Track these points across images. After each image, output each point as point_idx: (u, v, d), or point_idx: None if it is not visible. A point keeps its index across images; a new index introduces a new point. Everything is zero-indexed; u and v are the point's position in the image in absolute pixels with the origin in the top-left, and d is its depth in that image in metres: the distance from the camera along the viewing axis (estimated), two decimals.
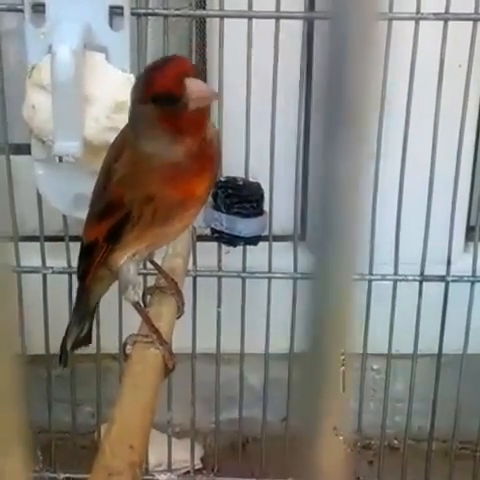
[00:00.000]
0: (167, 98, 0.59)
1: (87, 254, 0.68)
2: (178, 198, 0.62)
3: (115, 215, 0.64)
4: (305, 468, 0.20)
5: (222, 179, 0.90)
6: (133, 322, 0.71)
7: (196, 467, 1.04)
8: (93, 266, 0.68)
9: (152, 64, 0.63)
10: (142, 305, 0.69)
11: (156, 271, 0.74)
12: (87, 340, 0.78)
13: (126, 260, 0.65)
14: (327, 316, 0.20)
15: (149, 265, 0.77)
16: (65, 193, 0.87)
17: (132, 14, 0.83)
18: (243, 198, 0.89)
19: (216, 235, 0.91)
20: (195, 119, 0.61)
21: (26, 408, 0.21)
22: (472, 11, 0.86)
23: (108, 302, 0.80)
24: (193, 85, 0.59)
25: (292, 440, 1.03)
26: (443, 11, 0.85)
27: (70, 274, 0.94)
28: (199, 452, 1.06)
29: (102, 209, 0.66)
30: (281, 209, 0.94)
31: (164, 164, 0.61)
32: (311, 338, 0.20)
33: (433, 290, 0.95)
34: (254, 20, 0.86)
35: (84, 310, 0.75)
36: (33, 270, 0.94)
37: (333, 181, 0.19)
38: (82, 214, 0.71)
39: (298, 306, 0.95)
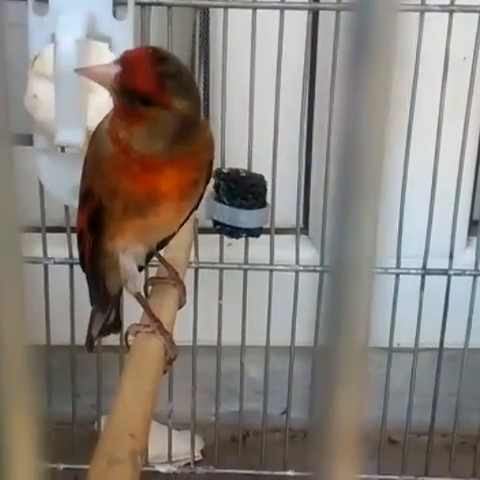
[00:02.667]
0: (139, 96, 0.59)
1: (79, 242, 0.70)
2: (142, 194, 0.62)
3: (90, 204, 0.65)
4: (324, 466, 0.20)
5: (225, 171, 0.89)
6: (134, 312, 0.71)
7: (196, 459, 1.04)
8: (85, 255, 0.69)
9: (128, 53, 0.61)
10: (143, 296, 0.69)
11: (157, 262, 0.74)
12: (116, 327, 0.79)
13: (122, 252, 0.65)
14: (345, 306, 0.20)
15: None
16: (67, 183, 0.87)
17: (136, 4, 0.83)
18: (245, 190, 0.89)
19: (218, 227, 0.90)
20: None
21: (40, 399, 0.21)
22: (478, 3, 0.86)
23: None
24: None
25: (292, 433, 1.03)
26: (448, 3, 0.85)
27: (71, 265, 0.94)
28: (199, 444, 1.06)
29: (81, 198, 0.67)
30: (283, 201, 0.94)
31: (116, 157, 0.61)
32: (331, 332, 0.20)
33: (435, 284, 0.95)
34: (258, 10, 0.85)
35: (103, 299, 0.75)
36: (34, 261, 0.94)
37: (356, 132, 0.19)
38: None
39: (301, 299, 0.95)
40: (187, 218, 0.70)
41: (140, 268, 0.70)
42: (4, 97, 0.18)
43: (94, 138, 0.65)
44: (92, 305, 0.77)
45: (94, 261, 0.69)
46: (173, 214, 0.65)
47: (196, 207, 0.70)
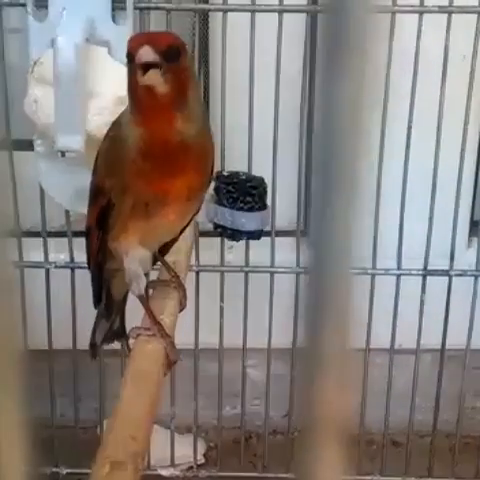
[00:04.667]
0: (129, 58, 0.59)
1: (86, 238, 0.70)
2: (152, 192, 0.62)
3: (101, 201, 0.65)
4: (306, 464, 0.20)
5: (225, 173, 0.90)
6: (135, 315, 0.71)
7: (199, 462, 1.04)
8: (92, 251, 0.69)
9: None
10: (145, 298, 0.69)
11: (158, 265, 0.74)
12: (120, 335, 0.78)
13: (126, 254, 0.65)
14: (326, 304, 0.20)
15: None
16: (67, 188, 0.87)
17: (135, 8, 0.83)
18: (246, 193, 0.89)
19: (219, 230, 0.90)
20: (148, 96, 0.59)
21: (29, 403, 0.21)
22: (476, 4, 0.86)
23: None
24: (142, 52, 0.58)
25: (294, 435, 1.03)
26: (447, 4, 0.85)
27: (72, 269, 0.94)
28: (202, 447, 1.06)
29: (92, 194, 0.67)
30: (284, 204, 0.94)
31: (135, 156, 0.61)
32: (311, 332, 0.20)
33: (436, 285, 0.95)
34: (257, 13, 0.85)
35: (108, 305, 0.75)
36: (36, 265, 0.94)
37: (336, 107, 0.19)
38: (84, 209, 0.71)
39: (300, 300, 0.95)
40: (188, 223, 0.70)
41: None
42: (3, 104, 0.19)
43: (111, 136, 0.64)
44: (96, 308, 0.77)
45: (100, 260, 0.69)
46: (178, 215, 0.65)
47: (197, 212, 0.70)
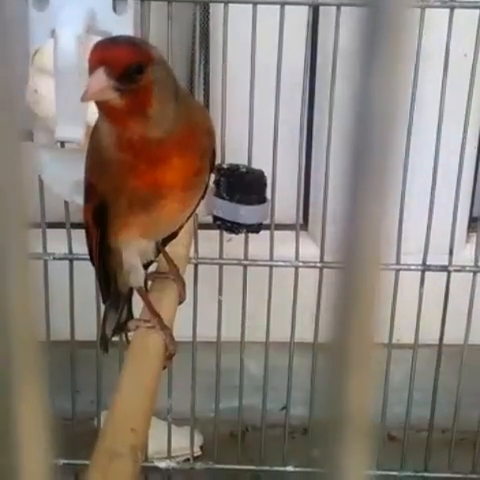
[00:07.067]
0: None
1: (86, 236, 0.70)
2: (146, 188, 0.61)
3: (93, 200, 0.65)
4: (333, 459, 0.20)
5: (225, 166, 0.89)
6: (134, 308, 0.71)
7: (195, 455, 1.04)
8: (93, 248, 0.69)
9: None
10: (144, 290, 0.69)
11: (157, 257, 0.74)
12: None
13: (126, 247, 0.65)
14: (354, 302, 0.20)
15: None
16: (67, 179, 0.87)
17: None
18: (245, 186, 0.89)
19: (218, 222, 0.90)
20: (103, 105, 0.59)
21: (48, 395, 0.21)
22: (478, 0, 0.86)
23: None
24: (94, 79, 0.57)
25: (291, 429, 1.03)
26: None
27: (71, 260, 0.94)
28: (199, 440, 1.06)
29: (85, 192, 0.67)
30: (283, 197, 0.94)
31: (117, 156, 0.61)
32: (338, 327, 0.20)
33: (435, 280, 0.95)
34: (259, 6, 0.85)
35: (116, 297, 0.75)
36: (34, 256, 0.94)
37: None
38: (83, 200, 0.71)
39: (301, 295, 0.95)
40: (194, 210, 0.69)
41: (150, 262, 0.70)
42: (11, 97, 0.18)
43: (94, 137, 0.64)
44: (104, 302, 0.77)
45: (102, 256, 0.69)
46: (178, 206, 0.65)
47: (202, 197, 0.69)
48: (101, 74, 0.56)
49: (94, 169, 0.64)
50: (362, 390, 0.20)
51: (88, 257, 0.73)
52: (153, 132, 0.60)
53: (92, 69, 0.57)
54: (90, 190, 0.65)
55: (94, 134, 0.65)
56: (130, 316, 0.77)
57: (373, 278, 0.19)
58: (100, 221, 0.65)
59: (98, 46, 0.58)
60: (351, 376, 0.20)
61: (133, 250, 0.65)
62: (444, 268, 0.95)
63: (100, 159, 0.63)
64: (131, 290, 0.75)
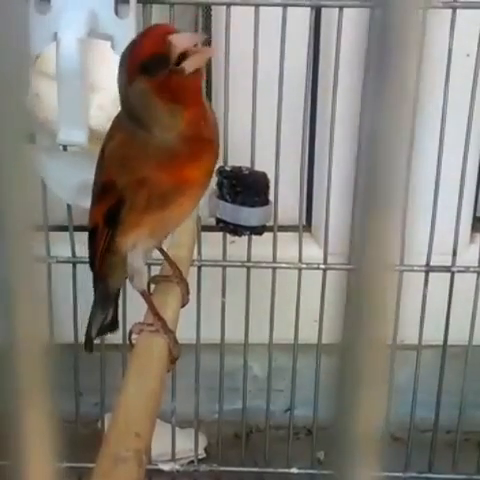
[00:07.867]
0: (156, 63, 0.58)
1: (91, 239, 0.69)
2: (172, 182, 0.61)
3: (109, 198, 0.64)
4: (344, 461, 0.20)
5: (227, 168, 0.89)
6: (137, 311, 0.70)
7: (200, 457, 1.04)
8: (99, 251, 0.68)
9: (129, 44, 0.61)
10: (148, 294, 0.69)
11: (160, 260, 0.73)
12: (113, 326, 0.78)
13: (131, 248, 0.65)
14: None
15: (153, 254, 0.77)
16: (69, 182, 0.87)
17: (138, 2, 0.83)
18: (248, 187, 0.88)
19: (221, 225, 0.90)
20: (191, 84, 0.59)
21: (55, 398, 0.21)
22: None
23: None
24: (179, 39, 0.56)
25: (296, 430, 1.03)
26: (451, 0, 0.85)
27: (74, 263, 0.94)
28: (203, 442, 1.06)
29: (99, 192, 0.66)
30: (286, 199, 0.94)
31: (158, 146, 0.60)
32: (349, 328, 0.20)
33: (439, 281, 0.95)
34: (261, 8, 0.85)
35: (104, 297, 0.75)
36: (38, 259, 0.94)
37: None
38: (86, 203, 0.71)
39: (304, 296, 0.95)
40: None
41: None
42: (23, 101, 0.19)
43: (118, 131, 0.64)
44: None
45: (104, 258, 0.68)
46: (192, 203, 0.65)
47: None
48: (183, 34, 0.57)
49: (116, 164, 0.63)
50: (374, 396, 0.20)
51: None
52: (211, 118, 0.61)
53: (158, 41, 0.57)
54: (107, 187, 0.64)
55: (114, 130, 0.64)
56: (115, 318, 0.77)
57: (384, 283, 0.19)
58: (112, 220, 0.65)
59: (143, 35, 0.59)
60: (363, 382, 0.20)
61: (139, 252, 0.65)
62: (448, 269, 0.95)
63: (130, 151, 0.61)
64: (119, 291, 0.75)
